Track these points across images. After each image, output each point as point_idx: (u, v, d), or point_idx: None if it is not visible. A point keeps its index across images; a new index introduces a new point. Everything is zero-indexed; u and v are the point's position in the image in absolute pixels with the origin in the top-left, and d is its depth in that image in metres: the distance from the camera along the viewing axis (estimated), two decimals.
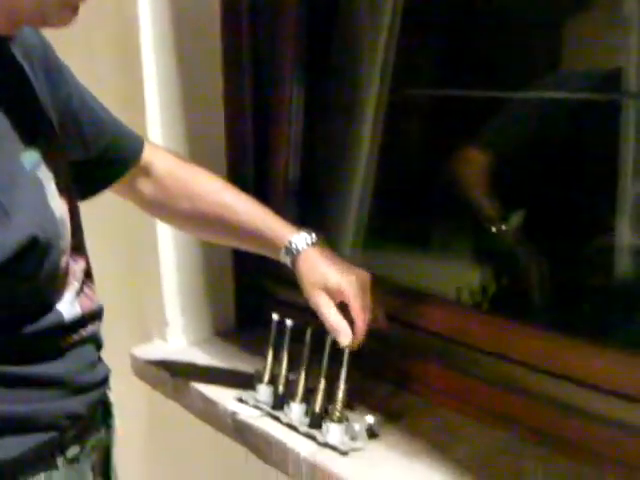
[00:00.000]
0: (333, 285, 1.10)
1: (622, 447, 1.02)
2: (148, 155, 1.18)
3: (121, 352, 1.47)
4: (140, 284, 1.55)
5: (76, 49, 1.50)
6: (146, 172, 1.18)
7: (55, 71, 1.02)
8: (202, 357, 1.45)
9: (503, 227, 1.34)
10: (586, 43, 1.28)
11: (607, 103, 1.24)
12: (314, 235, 1.15)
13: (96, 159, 1.11)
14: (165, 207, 1.21)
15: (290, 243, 1.13)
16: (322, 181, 1.57)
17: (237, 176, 1.47)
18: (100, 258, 1.62)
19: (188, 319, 1.51)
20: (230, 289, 1.55)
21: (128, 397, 1.57)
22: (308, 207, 1.56)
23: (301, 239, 1.13)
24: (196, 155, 1.40)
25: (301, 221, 1.50)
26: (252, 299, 1.54)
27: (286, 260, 1.14)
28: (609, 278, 1.25)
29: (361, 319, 1.10)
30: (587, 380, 1.06)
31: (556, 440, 1.08)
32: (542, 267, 1.32)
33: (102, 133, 1.11)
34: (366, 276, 1.13)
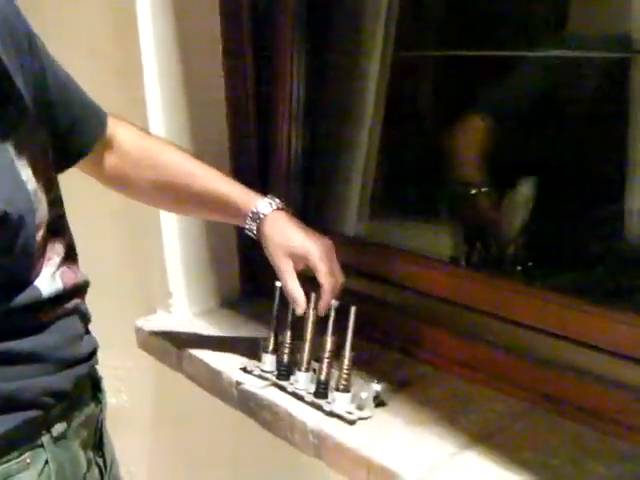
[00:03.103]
0: (298, 248, 1.11)
1: (637, 413, 1.00)
2: (111, 127, 1.15)
3: (126, 324, 1.47)
4: (143, 256, 1.54)
5: (72, 23, 1.48)
6: (110, 144, 1.15)
7: (25, 42, 0.96)
8: (207, 328, 1.44)
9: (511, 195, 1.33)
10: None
11: (615, 63, 1.22)
12: (279, 200, 1.15)
13: (63, 133, 1.06)
14: (129, 178, 1.18)
15: (256, 207, 1.14)
16: (324, 148, 1.55)
17: (240, 147, 1.46)
18: (103, 231, 1.61)
19: (192, 290, 1.50)
20: (234, 259, 1.54)
21: (134, 369, 1.57)
22: (311, 176, 1.54)
23: (266, 204, 1.14)
24: (198, 126, 1.39)
25: (304, 190, 1.50)
26: (256, 269, 1.53)
27: (252, 226, 1.14)
28: (618, 241, 1.24)
29: (328, 282, 1.10)
30: (599, 344, 1.04)
31: (568, 406, 1.07)
32: (550, 231, 1.30)
33: (70, 104, 1.06)
34: (330, 243, 1.14)
